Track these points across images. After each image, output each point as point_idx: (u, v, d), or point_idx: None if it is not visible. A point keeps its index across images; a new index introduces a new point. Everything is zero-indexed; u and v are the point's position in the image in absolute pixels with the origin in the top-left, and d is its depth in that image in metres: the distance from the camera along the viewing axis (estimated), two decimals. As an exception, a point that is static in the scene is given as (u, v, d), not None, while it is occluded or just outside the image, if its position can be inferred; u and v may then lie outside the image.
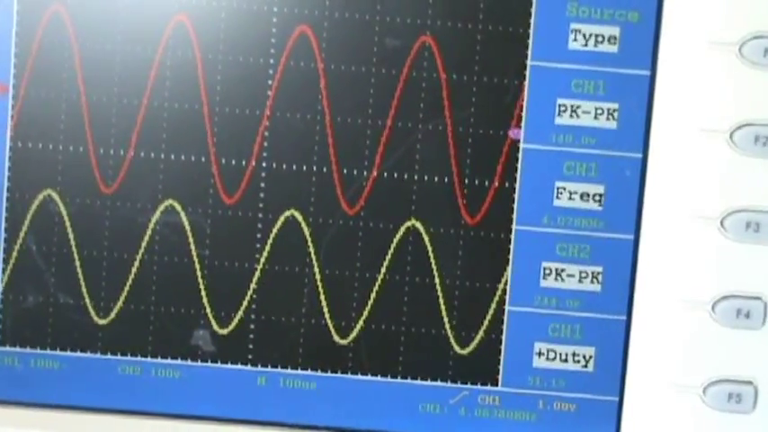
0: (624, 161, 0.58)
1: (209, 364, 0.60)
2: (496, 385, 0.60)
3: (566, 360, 0.59)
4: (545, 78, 0.58)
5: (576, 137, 0.58)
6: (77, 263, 0.59)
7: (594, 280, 0.59)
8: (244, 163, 0.59)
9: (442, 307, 0.59)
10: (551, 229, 0.59)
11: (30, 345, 0.60)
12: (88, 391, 0.60)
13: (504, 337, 0.59)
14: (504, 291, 0.59)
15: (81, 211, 0.59)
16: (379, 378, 0.60)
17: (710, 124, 0.56)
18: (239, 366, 0.60)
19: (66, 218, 0.59)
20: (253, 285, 0.59)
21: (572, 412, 0.60)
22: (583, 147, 0.58)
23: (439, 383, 0.60)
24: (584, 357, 0.59)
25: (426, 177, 0.59)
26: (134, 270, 0.59)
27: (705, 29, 0.56)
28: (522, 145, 0.58)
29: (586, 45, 0.57)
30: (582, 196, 0.58)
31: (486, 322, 0.59)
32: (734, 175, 0.57)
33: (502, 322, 0.59)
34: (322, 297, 0.59)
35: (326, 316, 0.59)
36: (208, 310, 0.59)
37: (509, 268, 0.59)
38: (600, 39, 0.57)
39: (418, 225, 0.59)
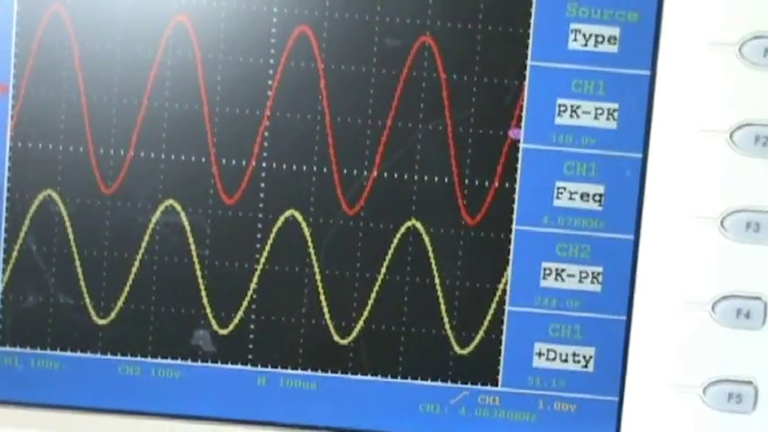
0: (624, 161, 0.58)
1: (210, 364, 0.60)
2: (496, 385, 0.60)
3: (566, 360, 0.59)
4: (545, 78, 0.58)
5: (576, 137, 0.58)
6: (77, 263, 0.59)
7: (594, 280, 0.59)
8: (244, 163, 0.59)
9: (442, 307, 0.59)
10: (551, 229, 0.59)
11: (30, 345, 0.60)
12: (88, 391, 0.60)
13: (504, 338, 0.59)
14: (505, 291, 0.59)
15: (81, 211, 0.59)
16: (379, 378, 0.60)
17: (710, 124, 0.56)
18: (239, 366, 0.60)
19: (66, 218, 0.59)
20: (253, 285, 0.59)
21: (572, 412, 0.60)
22: (583, 147, 0.58)
23: (439, 383, 0.60)
24: (584, 357, 0.59)
25: (426, 177, 0.59)
26: (134, 270, 0.59)
27: (705, 29, 0.56)
28: (522, 145, 0.58)
29: (586, 45, 0.57)
30: (582, 196, 0.58)
31: (486, 322, 0.59)
32: (734, 175, 0.57)
33: (502, 322, 0.59)
34: (322, 297, 0.59)
35: (326, 316, 0.59)
36: (208, 310, 0.59)
37: (509, 268, 0.59)
38: (600, 39, 0.57)
39: (418, 225, 0.59)
